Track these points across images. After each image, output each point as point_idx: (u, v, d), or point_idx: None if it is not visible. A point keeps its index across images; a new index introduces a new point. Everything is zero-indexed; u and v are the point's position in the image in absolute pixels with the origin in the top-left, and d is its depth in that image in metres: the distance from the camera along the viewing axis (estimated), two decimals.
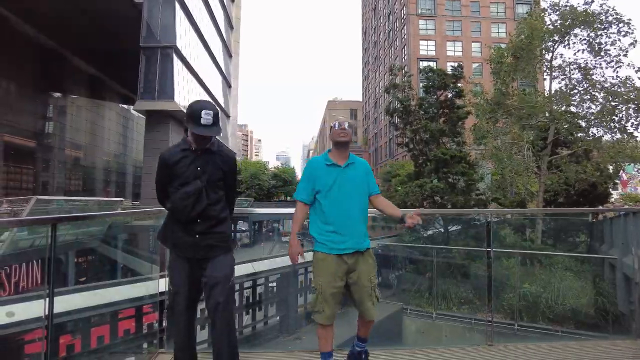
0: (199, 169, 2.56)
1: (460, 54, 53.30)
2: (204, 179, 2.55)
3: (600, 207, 18.24)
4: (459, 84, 24.45)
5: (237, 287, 4.90)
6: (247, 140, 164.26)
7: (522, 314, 6.27)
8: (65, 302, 3.51)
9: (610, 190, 25.19)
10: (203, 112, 2.41)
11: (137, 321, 4.03)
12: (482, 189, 24.03)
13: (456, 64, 28.31)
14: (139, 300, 4.00)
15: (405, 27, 55.75)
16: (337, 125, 2.77)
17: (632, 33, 15.87)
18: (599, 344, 3.72)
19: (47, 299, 2.33)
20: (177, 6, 25.96)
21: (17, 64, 27.66)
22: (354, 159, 2.81)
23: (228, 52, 43.79)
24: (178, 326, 2.61)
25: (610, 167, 20.02)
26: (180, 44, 26.01)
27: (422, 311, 7.19)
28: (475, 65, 49.69)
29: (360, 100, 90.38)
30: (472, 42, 53.60)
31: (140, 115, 28.26)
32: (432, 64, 39.00)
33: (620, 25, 15.88)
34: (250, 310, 5.26)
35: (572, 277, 6.87)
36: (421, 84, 30.27)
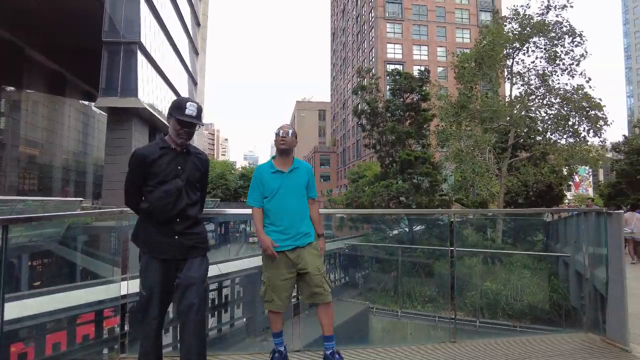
0: (179, 167, 2.53)
1: (426, 57, 54.63)
2: (184, 178, 2.52)
3: (557, 207, 19.17)
4: (424, 88, 25.01)
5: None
6: (213, 140, 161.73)
7: (483, 311, 6.48)
8: (17, 308, 3.33)
9: (565, 191, 26.54)
10: (188, 103, 2.50)
11: (96, 326, 3.87)
12: (446, 189, 24.70)
13: (422, 68, 28.93)
14: (99, 304, 3.86)
15: (373, 30, 56.54)
16: (279, 133, 2.99)
17: (584, 44, 16.81)
18: (553, 338, 3.91)
19: None
20: (142, 1, 25.21)
21: None
22: (299, 164, 3.06)
23: (194, 50, 42.94)
24: (147, 330, 2.52)
25: (565, 170, 21.10)
26: (144, 40, 25.28)
27: (388, 310, 7.30)
28: (440, 69, 51.06)
29: (329, 101, 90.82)
30: (438, 46, 55.09)
31: (102, 112, 27.25)
32: (399, 67, 39.75)
33: (574, 36, 16.76)
34: (215, 313, 5.18)
35: (530, 275, 7.17)
36: (388, 87, 30.77)
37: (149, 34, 26.52)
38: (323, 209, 3.69)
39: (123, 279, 3.30)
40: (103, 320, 3.84)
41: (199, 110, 2.53)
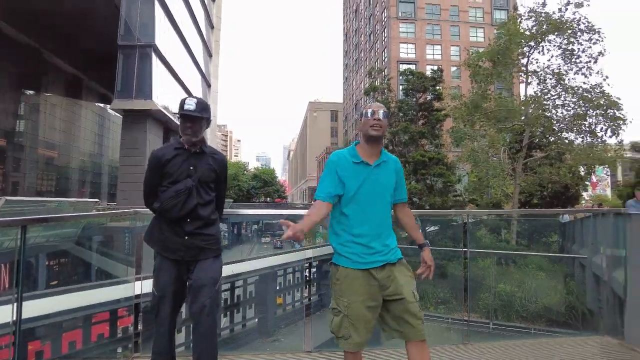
0: (191, 167, 2.56)
1: (439, 57, 54.16)
2: (195, 178, 2.54)
3: (574, 208, 18.81)
4: (437, 87, 24.83)
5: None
6: (226, 141, 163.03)
7: (497, 313, 6.41)
8: (35, 307, 3.40)
9: (581, 191, 26.03)
10: (188, 99, 2.53)
11: (111, 325, 3.93)
12: (459, 190, 24.46)
13: (435, 67, 28.71)
14: (114, 304, 3.92)
15: (385, 30, 56.29)
16: (369, 114, 2.23)
17: (602, 42, 16.48)
18: (569, 341, 3.83)
19: (16, 304, 2.26)
20: (157, 5, 25.57)
21: None
22: (387, 157, 2.32)
23: (208, 52, 43.32)
24: (160, 330, 2.55)
25: (582, 170, 20.71)
26: (159, 42, 25.62)
27: None
28: (453, 68, 50.57)
29: (341, 101, 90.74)
30: (451, 45, 54.57)
31: (117, 114, 27.71)
32: (412, 67, 39.51)
33: (591, 33, 16.45)
34: (228, 313, 5.22)
35: (545, 277, 7.06)
36: (401, 87, 30.59)
37: (164, 37, 26.86)
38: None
39: (137, 279, 3.34)
40: (117, 320, 3.90)
41: (200, 104, 2.53)
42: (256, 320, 5.56)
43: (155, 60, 25.46)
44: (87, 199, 31.08)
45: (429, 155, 22.94)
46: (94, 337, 3.96)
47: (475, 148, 18.55)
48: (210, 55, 44.53)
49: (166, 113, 26.11)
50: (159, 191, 2.55)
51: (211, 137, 48.12)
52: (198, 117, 2.53)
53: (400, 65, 50.14)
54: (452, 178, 23.26)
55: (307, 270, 3.91)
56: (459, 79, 44.26)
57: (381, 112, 2.21)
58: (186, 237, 2.52)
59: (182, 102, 2.54)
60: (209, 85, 43.42)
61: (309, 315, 3.69)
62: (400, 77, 30.91)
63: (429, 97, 25.36)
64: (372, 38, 64.12)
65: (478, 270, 6.83)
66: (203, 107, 2.56)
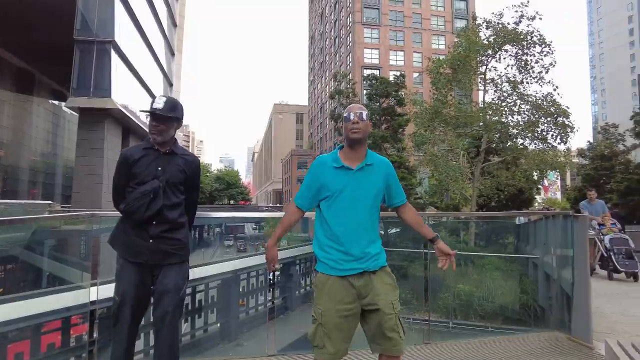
0: (159, 168, 2.47)
1: (402, 63, 55.45)
2: (163, 179, 2.46)
3: (528, 211, 19.74)
4: (400, 93, 25.39)
5: None
6: (188, 141, 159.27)
7: (456, 313, 6.61)
8: None
9: (535, 195, 27.40)
10: (157, 97, 2.46)
11: (63, 334, 3.74)
12: (420, 193, 25.10)
13: (398, 73, 29.35)
14: (67, 311, 3.73)
15: (350, 34, 57.01)
16: (350, 116, 2.18)
17: (552, 54, 17.48)
18: (522, 337, 4.02)
19: None
20: (116, 0, 24.69)
21: None
22: (373, 159, 2.24)
23: (171, 50, 42.23)
24: (119, 337, 2.44)
25: (535, 174, 21.80)
26: (119, 39, 24.72)
27: None
28: (416, 74, 51.92)
29: (307, 104, 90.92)
30: (414, 52, 56.03)
31: (73, 112, 26.46)
32: (376, 72, 40.18)
33: (543, 46, 17.40)
34: (189, 318, 5.09)
35: (501, 277, 7.36)
36: (365, 91, 31.05)
37: (124, 33, 25.95)
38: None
39: (93, 285, 3.20)
40: (70, 328, 3.72)
41: (169, 103, 2.46)
42: (218, 324, 5.47)
43: (114, 57, 24.54)
44: (38, 201, 29.46)
45: (392, 159, 23.44)
46: (43, 347, 3.75)
47: (435, 152, 19.12)
48: (172, 54, 43.44)
49: (126, 112, 25.19)
50: (126, 192, 2.47)
51: None
52: (165, 116, 2.45)
53: (364, 70, 50.90)
54: (413, 181, 23.83)
55: (271, 273, 3.88)
56: (420, 85, 45.49)
57: (360, 113, 2.17)
58: (151, 241, 2.43)
59: (152, 101, 2.47)
60: (170, 85, 42.31)
61: (272, 319, 3.66)
62: (364, 82, 31.37)
63: (391, 102, 25.88)
64: (337, 42, 64.73)
65: (438, 271, 7.03)
66: (173, 106, 2.48)
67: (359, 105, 2.29)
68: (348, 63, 57.06)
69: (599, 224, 8.76)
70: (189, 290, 5.13)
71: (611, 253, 8.13)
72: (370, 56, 55.40)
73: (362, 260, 2.13)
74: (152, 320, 2.46)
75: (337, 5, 65.20)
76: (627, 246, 8.20)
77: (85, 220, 3.53)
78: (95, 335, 3.15)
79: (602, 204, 9.23)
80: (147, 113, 2.46)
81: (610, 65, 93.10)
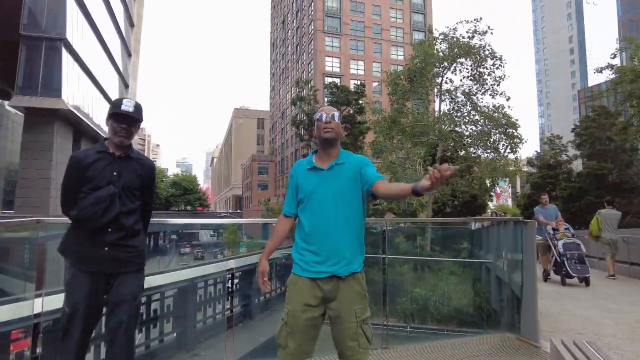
0: (114, 173, 2.36)
1: (362, 72, 56.52)
2: (119, 184, 2.36)
3: (481, 217, 20.60)
4: (360, 101, 25.85)
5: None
6: (144, 145, 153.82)
7: (413, 317, 6.74)
8: None
9: (488, 201, 28.65)
10: (125, 100, 2.39)
11: (1, 350, 3.48)
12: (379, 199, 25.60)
13: (358, 82, 29.88)
14: (6, 325, 3.47)
15: (312, 42, 57.48)
16: (321, 117, 2.21)
17: (504, 67, 18.45)
18: (476, 339, 4.17)
19: None
20: None
21: None
22: (345, 158, 2.24)
23: (127, 51, 40.80)
24: (67, 350, 2.29)
25: (488, 182, 22.81)
26: (70, 37, 23.56)
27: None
28: (375, 84, 53.01)
29: (268, 109, 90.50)
30: (374, 62, 57.28)
31: (18, 112, 24.85)
32: (337, 80, 40.73)
33: (495, 59, 18.33)
34: (144, 328, 4.89)
35: (456, 281, 7.59)
36: (326, 99, 31.34)
37: (76, 31, 24.78)
38: (259, 218, 3.55)
39: (37, 296, 2.99)
40: (10, 343, 3.46)
41: (137, 107, 2.42)
42: (174, 334, 5.28)
43: (65, 56, 23.37)
44: None
45: None
46: None
47: (393, 160, 19.58)
48: (129, 55, 42.00)
49: (77, 114, 24.01)
50: (78, 198, 2.33)
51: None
52: (135, 118, 2.39)
53: (326, 77, 51.44)
54: None
55: (230, 281, 3.81)
56: (380, 94, 46.47)
57: (332, 114, 2.20)
58: (106, 248, 2.32)
59: (119, 102, 2.39)
60: (126, 86, 40.83)
61: (230, 328, 3.59)
62: (326, 90, 31.70)
63: (352, 110, 26.29)
64: (298, 49, 65.04)
65: (396, 275, 7.15)
66: (140, 109, 2.44)
67: (331, 107, 2.33)
68: (310, 70, 57.44)
69: (553, 229, 8.77)
70: (143, 299, 4.94)
71: (564, 258, 8.16)
72: (332, 64, 56.10)
73: (332, 263, 2.10)
74: (103, 331, 2.35)
75: (299, 13, 65.61)
76: (579, 251, 8.21)
77: (29, 227, 3.30)
78: (38, 350, 2.95)
79: (554, 207, 9.35)
80: (112, 114, 2.37)
81: (554, 80, 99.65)
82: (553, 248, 8.56)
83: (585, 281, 7.98)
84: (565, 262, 8.10)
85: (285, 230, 2.32)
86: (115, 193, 2.34)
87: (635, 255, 9.53)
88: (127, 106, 2.37)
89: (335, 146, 2.24)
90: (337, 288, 2.11)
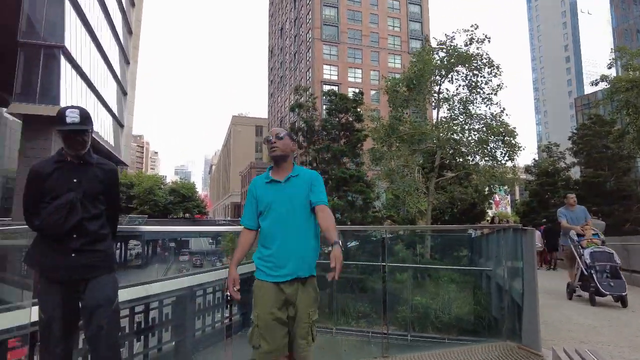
0: (74, 180, 2.34)
1: (360, 80, 56.73)
2: (80, 191, 2.33)
3: (481, 224, 20.59)
4: (358, 109, 25.93)
5: (127, 312, 4.47)
6: (142, 152, 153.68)
7: (414, 325, 6.70)
8: None
9: (486, 209, 28.67)
10: (68, 111, 2.30)
11: None
12: (378, 207, 25.55)
13: (357, 90, 30.00)
14: (4, 333, 3.43)
15: (310, 50, 57.77)
16: (268, 138, 2.52)
17: (501, 76, 18.55)
18: (476, 348, 4.13)
19: None
20: (67, 3, 23.65)
21: None
22: (299, 171, 2.52)
23: (125, 58, 40.94)
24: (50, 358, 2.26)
25: (486, 189, 22.85)
26: (69, 44, 23.63)
27: (322, 327, 7.28)
28: (373, 92, 53.21)
29: (267, 117, 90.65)
30: (371, 70, 57.53)
31: (16, 119, 24.82)
32: (335, 88, 40.86)
33: (492, 68, 18.43)
34: (142, 337, 4.83)
35: (456, 289, 7.56)
36: (324, 107, 31.45)
37: (75, 38, 24.86)
38: None
39: (34, 304, 2.96)
40: (7, 352, 3.41)
41: (83, 115, 2.32)
42: (173, 343, 5.22)
43: (64, 63, 23.42)
44: None
45: (350, 173, 23.74)
46: None
47: (391, 167, 19.61)
48: (127, 62, 42.13)
49: None
50: (41, 209, 2.31)
51: (125, 148, 45.04)
52: (85, 129, 2.34)
53: (324, 85, 51.61)
54: (371, 195, 24.23)
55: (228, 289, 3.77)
56: (378, 102, 46.66)
57: (277, 134, 2.49)
58: (73, 255, 2.30)
59: (63, 115, 2.29)
60: (125, 94, 40.90)
61: (229, 337, 3.55)
62: (324, 97, 31.79)
63: (350, 118, 26.35)
64: (297, 57, 65.33)
65: (396, 283, 7.12)
66: (87, 116, 2.36)
67: (278, 128, 2.62)
68: (308, 78, 57.64)
69: (578, 235, 7.13)
70: (141, 308, 4.88)
71: (592, 271, 6.49)
72: (330, 72, 56.32)
73: (292, 266, 2.34)
74: (86, 339, 2.31)
75: (297, 21, 66.00)
76: (611, 262, 6.53)
77: (26, 235, 3.27)
78: (35, 359, 2.90)
79: (583, 209, 7.62)
80: (59, 130, 2.30)
81: (551, 88, 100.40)
82: (578, 258, 6.96)
83: (622, 301, 6.31)
84: (594, 276, 6.45)
85: (249, 241, 2.54)
86: (76, 199, 2.31)
87: (636, 263, 9.51)
88: (72, 118, 2.29)
89: (287, 161, 2.53)
90: (297, 292, 2.36)
